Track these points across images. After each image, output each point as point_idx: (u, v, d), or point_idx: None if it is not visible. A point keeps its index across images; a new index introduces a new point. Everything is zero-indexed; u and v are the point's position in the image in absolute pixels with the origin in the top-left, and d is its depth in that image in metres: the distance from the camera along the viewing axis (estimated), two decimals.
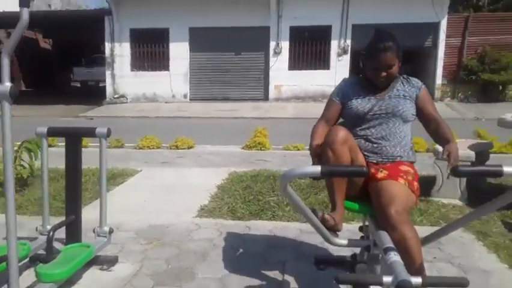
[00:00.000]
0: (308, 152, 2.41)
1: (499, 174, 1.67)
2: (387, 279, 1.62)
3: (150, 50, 16.37)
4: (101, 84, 18.72)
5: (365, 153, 2.32)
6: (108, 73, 16.52)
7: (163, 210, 4.08)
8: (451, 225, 2.13)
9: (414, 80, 2.41)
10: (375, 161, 2.29)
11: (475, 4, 19.67)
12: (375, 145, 2.31)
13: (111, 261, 2.89)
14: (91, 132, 2.69)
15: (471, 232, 3.46)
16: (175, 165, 6.09)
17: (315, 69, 15.48)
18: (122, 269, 2.86)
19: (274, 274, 2.79)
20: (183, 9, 15.50)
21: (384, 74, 2.27)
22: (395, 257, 1.78)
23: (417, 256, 1.95)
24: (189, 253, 3.12)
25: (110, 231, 2.93)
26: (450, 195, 4.19)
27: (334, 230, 2.21)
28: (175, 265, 2.93)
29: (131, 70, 16.47)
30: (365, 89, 2.39)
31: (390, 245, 1.89)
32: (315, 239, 3.22)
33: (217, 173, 5.38)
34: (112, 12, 15.97)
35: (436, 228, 3.55)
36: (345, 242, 2.23)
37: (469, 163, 4.08)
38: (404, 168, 2.25)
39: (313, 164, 2.25)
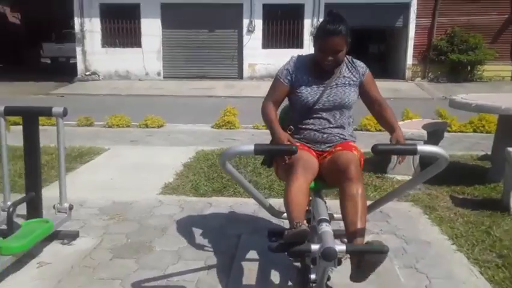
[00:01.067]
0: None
1: (413, 152, 1.84)
2: (315, 246, 1.77)
3: (121, 26, 16.09)
4: (72, 61, 18.29)
5: (316, 144, 2.40)
6: (78, 49, 16.20)
7: (128, 188, 4.17)
8: (390, 195, 2.29)
9: (360, 65, 2.43)
10: (327, 150, 2.39)
11: None
12: (324, 135, 2.38)
13: (72, 236, 3.00)
14: (47, 112, 2.74)
15: (419, 206, 3.68)
16: (143, 144, 6.15)
17: (289, 47, 15.47)
18: (82, 243, 2.96)
19: (230, 246, 2.95)
20: None
21: (330, 58, 2.26)
22: (326, 227, 1.93)
23: (363, 214, 2.05)
24: (149, 228, 3.24)
25: (70, 208, 3.02)
26: (404, 172, 4.40)
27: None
28: (134, 239, 3.05)
29: (103, 46, 16.19)
30: (312, 73, 2.39)
31: (325, 216, 2.06)
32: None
33: (185, 152, 5.47)
34: None
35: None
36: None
37: (415, 142, 4.28)
38: (353, 144, 2.41)
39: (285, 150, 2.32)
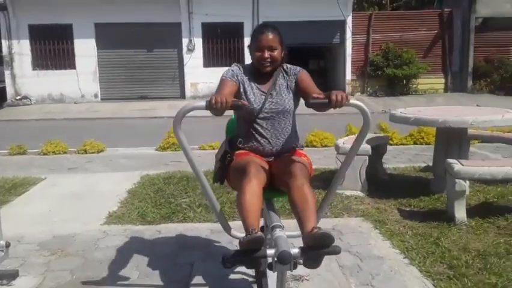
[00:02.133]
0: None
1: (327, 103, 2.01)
2: (270, 251, 1.80)
3: (53, 48, 15.43)
4: (1, 85, 17.26)
5: (264, 154, 2.40)
6: (7, 73, 15.33)
7: (68, 219, 3.91)
8: (335, 179, 2.35)
9: (292, 68, 2.47)
10: (274, 157, 2.41)
11: (379, 2, 20.92)
12: (272, 144, 2.39)
13: (11, 276, 2.77)
14: None
15: (369, 221, 3.73)
16: (83, 171, 5.84)
17: (230, 65, 15.48)
18: (23, 282, 2.73)
19: (183, 275, 2.81)
20: (86, 4, 14.75)
21: (267, 55, 2.33)
22: (280, 232, 1.93)
23: (312, 203, 2.05)
24: (95, 262, 3.03)
25: (7, 245, 2.78)
26: (352, 187, 4.47)
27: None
28: (79, 275, 2.84)
29: (33, 69, 15.44)
30: (253, 79, 2.43)
31: (277, 222, 2.05)
32: (225, 238, 3.27)
33: (128, 177, 5.24)
34: (7, 7, 14.81)
35: (339, 218, 3.81)
36: (240, 234, 2.27)
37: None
38: (301, 152, 2.46)
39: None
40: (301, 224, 2.01)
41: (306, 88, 2.38)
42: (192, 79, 15.76)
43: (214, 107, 1.99)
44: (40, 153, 7.00)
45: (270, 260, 1.84)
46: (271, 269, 1.89)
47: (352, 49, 16.26)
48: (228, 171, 2.42)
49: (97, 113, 13.76)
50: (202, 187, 2.30)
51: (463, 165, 3.64)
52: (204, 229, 3.61)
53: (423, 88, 16.30)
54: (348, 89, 16.27)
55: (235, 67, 2.48)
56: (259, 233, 1.88)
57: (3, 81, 15.71)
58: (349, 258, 3.01)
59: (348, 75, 16.38)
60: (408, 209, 4.06)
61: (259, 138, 2.40)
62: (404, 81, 16.11)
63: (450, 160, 3.78)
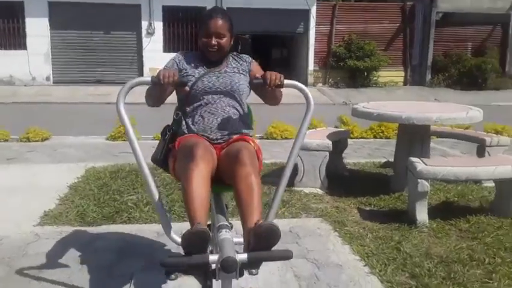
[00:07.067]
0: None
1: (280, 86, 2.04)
2: (213, 257, 1.61)
3: (2, 26, 14.42)
4: None
5: (210, 130, 2.21)
6: None
7: None
8: (284, 171, 2.18)
9: (245, 56, 2.40)
10: (223, 141, 2.22)
11: None
12: (218, 119, 2.22)
13: None
14: None
15: (328, 222, 3.52)
16: (22, 162, 5.35)
17: (192, 50, 15.04)
18: None
19: None
20: None
21: (214, 41, 2.21)
22: (225, 234, 1.72)
23: (258, 195, 1.88)
24: (20, 272, 2.66)
25: None
26: (311, 185, 4.25)
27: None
28: None
29: None
30: (201, 63, 2.31)
31: (224, 222, 1.82)
32: (172, 243, 2.96)
33: (72, 170, 4.82)
34: None
35: (297, 219, 3.59)
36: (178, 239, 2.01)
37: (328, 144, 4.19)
38: (250, 138, 2.27)
39: None
40: (244, 220, 1.80)
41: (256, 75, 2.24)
42: (150, 64, 15.08)
43: (162, 82, 1.93)
44: None
45: (213, 266, 1.64)
46: (214, 277, 1.67)
47: (315, 39, 16.07)
48: (168, 153, 2.22)
49: (48, 97, 12.96)
50: (140, 170, 2.09)
51: (426, 164, 3.48)
52: (150, 231, 3.29)
53: (384, 81, 16.38)
54: (311, 79, 16.13)
55: (176, 56, 2.36)
56: (204, 228, 1.67)
57: None
58: (306, 266, 2.77)
59: (311, 66, 16.21)
60: (368, 208, 3.88)
61: (204, 110, 2.22)
62: (365, 74, 16.10)
63: (413, 159, 3.62)
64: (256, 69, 2.35)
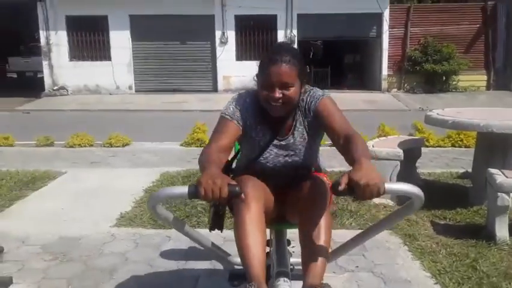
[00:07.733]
0: None
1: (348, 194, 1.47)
2: None
3: (89, 39, 15.57)
4: (40, 75, 17.65)
5: (268, 176, 1.93)
6: (45, 63, 15.61)
7: (79, 219, 3.75)
8: (356, 239, 1.93)
9: (313, 96, 1.86)
10: (284, 184, 1.97)
11: None
12: (278, 166, 1.95)
13: (4, 283, 2.60)
14: None
15: (398, 235, 3.37)
16: (104, 166, 5.73)
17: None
18: None
19: None
20: None
21: (278, 94, 1.73)
22: (284, 283, 1.63)
23: (322, 261, 1.65)
24: (96, 270, 2.85)
25: (0, 251, 2.62)
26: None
27: None
28: (76, 285, 2.65)
29: (70, 60, 15.64)
30: (263, 121, 1.88)
31: (284, 268, 1.73)
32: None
33: (148, 174, 5.07)
34: None
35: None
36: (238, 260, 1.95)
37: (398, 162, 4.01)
38: (321, 173, 2.03)
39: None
40: (305, 269, 1.65)
41: (328, 123, 1.79)
42: (224, 72, 15.58)
43: (204, 198, 1.45)
44: (66, 145, 6.95)
45: None
46: None
47: (389, 43, 15.60)
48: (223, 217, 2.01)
49: (129, 104, 13.80)
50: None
51: (507, 177, 3.23)
52: (217, 236, 3.36)
53: (464, 85, 15.47)
54: (385, 84, 15.67)
55: (237, 101, 1.89)
56: None
57: (42, 72, 16.03)
58: (372, 280, 2.69)
59: (385, 71, 15.72)
60: (442, 222, 3.68)
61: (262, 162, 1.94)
62: (444, 78, 15.33)
63: (492, 170, 3.37)
64: (325, 110, 1.81)
